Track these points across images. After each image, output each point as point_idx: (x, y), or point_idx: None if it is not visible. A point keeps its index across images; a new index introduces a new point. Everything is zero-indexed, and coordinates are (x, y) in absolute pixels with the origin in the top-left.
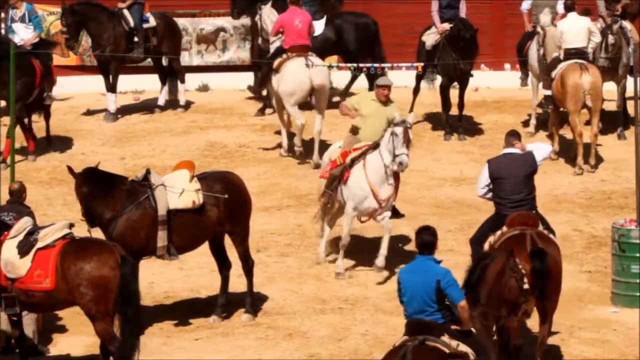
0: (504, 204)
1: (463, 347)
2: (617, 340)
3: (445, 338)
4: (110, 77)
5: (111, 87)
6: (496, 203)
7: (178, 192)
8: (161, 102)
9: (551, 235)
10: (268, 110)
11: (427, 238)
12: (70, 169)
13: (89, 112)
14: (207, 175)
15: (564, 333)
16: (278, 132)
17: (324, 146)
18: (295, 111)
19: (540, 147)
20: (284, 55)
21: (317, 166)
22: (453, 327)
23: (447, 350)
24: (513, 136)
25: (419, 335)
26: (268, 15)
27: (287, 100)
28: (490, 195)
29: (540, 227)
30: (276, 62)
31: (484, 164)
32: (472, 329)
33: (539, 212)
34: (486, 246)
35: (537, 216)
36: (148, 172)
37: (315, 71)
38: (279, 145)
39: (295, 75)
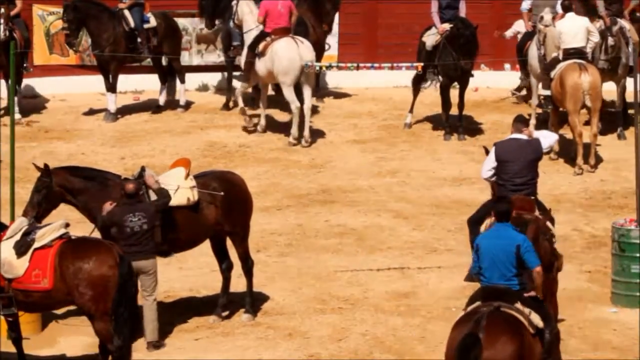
0: (506, 186)
1: (534, 316)
2: (617, 340)
3: (519, 305)
4: (110, 77)
5: (111, 87)
6: (498, 184)
7: (173, 189)
8: (161, 102)
9: (548, 223)
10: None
11: (504, 207)
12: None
13: (89, 112)
14: (206, 174)
15: (564, 333)
16: (278, 132)
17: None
18: (291, 94)
19: (547, 135)
20: (268, 39)
21: (297, 142)
22: (526, 294)
23: (520, 318)
24: (521, 122)
25: (494, 301)
26: (247, 4)
27: (283, 82)
28: (495, 178)
29: (537, 212)
30: (261, 46)
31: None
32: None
33: (538, 199)
34: (482, 228)
35: (533, 202)
36: (143, 169)
37: (304, 48)
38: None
39: (286, 54)
